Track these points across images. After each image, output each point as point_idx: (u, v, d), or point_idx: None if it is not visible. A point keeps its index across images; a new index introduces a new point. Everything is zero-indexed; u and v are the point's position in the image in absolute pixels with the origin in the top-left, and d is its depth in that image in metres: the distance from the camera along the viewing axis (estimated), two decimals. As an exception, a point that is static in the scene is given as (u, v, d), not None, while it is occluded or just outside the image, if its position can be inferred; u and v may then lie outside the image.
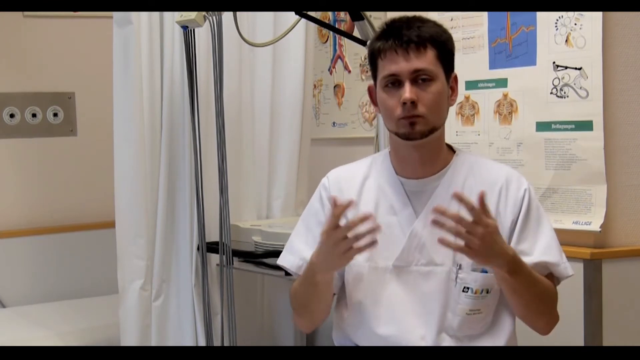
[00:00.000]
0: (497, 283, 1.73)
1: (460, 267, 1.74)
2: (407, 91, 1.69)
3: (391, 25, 1.76)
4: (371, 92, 1.83)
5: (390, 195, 1.80)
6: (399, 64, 1.70)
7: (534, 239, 1.75)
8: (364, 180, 1.85)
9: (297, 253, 1.85)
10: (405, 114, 1.70)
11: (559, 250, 1.77)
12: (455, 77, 1.80)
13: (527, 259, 1.73)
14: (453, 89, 1.80)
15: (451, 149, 1.85)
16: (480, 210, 1.60)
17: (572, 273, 1.78)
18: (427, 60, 1.71)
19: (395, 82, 1.72)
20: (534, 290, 1.72)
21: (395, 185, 1.80)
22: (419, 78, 1.71)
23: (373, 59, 1.77)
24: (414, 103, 1.69)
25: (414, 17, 1.76)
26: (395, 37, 1.71)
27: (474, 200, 1.73)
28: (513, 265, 1.65)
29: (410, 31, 1.71)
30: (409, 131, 1.71)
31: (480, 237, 1.59)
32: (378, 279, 1.78)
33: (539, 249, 1.75)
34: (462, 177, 1.79)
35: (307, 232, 1.86)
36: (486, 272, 1.74)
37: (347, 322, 1.85)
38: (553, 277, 1.78)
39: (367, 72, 3.01)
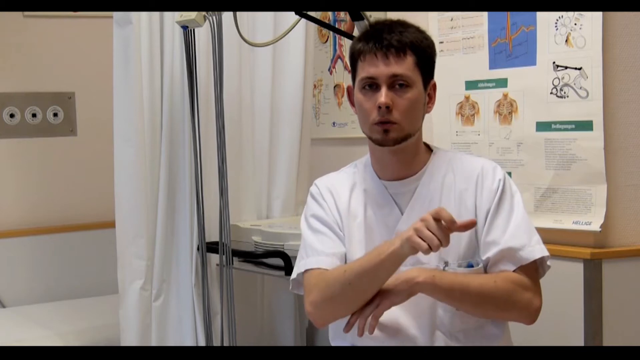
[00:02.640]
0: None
1: (446, 264, 1.76)
2: (383, 95, 1.70)
3: (373, 28, 1.77)
4: (350, 93, 1.84)
5: (376, 199, 1.82)
6: (378, 67, 1.71)
7: (504, 228, 1.75)
8: (352, 187, 1.86)
9: (322, 253, 1.80)
10: (380, 118, 1.71)
11: (528, 234, 1.75)
12: (434, 85, 1.81)
13: (495, 248, 1.73)
14: (431, 97, 1.81)
15: (429, 148, 1.87)
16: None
17: (541, 254, 1.74)
18: (405, 66, 1.72)
19: (372, 85, 1.73)
20: (477, 285, 1.69)
21: (380, 189, 1.82)
22: (396, 83, 1.72)
23: (353, 60, 1.79)
24: (388, 108, 1.70)
25: (397, 22, 1.77)
26: (376, 40, 1.72)
27: (456, 192, 1.77)
28: (430, 273, 1.68)
29: (391, 35, 1.72)
30: (382, 138, 1.73)
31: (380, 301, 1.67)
32: None
33: (506, 236, 1.74)
34: (441, 175, 1.81)
35: (315, 233, 1.84)
36: (472, 266, 1.75)
37: (343, 323, 1.84)
38: (526, 267, 1.74)
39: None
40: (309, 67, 3.01)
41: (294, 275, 1.86)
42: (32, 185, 3.72)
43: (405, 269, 1.73)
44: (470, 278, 1.72)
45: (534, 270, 1.76)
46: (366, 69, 1.73)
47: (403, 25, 1.76)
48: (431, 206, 1.77)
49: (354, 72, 1.80)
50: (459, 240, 1.75)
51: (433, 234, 1.59)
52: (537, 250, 1.74)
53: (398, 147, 1.75)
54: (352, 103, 1.84)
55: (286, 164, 2.98)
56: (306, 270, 1.81)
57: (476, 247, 1.77)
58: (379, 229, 1.79)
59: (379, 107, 1.70)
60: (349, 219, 1.82)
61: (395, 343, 1.77)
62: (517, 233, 1.74)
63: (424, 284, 1.66)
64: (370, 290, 1.70)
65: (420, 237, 1.60)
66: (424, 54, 1.75)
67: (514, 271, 1.73)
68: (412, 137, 1.77)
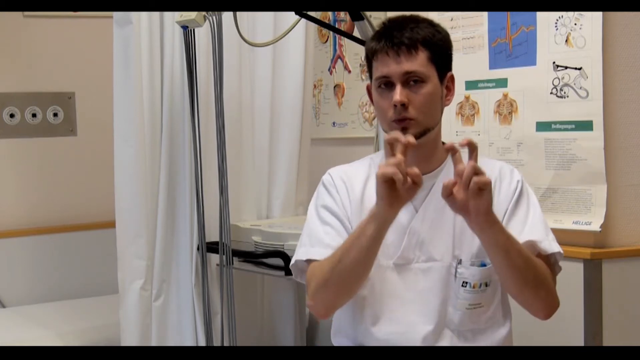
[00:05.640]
0: (491, 259, 1.71)
1: (460, 261, 1.76)
2: (398, 94, 1.70)
3: (386, 26, 1.77)
4: (369, 91, 1.84)
5: None
6: (389, 66, 1.72)
7: (523, 225, 1.76)
8: (365, 180, 1.85)
9: (321, 244, 1.79)
10: (396, 116, 1.72)
11: (544, 229, 1.77)
12: (452, 77, 1.80)
13: None
14: (449, 89, 1.80)
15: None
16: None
17: (558, 249, 1.76)
18: (418, 63, 1.71)
19: (387, 83, 1.73)
20: (526, 254, 1.69)
21: None
22: (410, 80, 1.72)
23: (368, 59, 1.80)
24: (404, 105, 1.70)
25: (410, 18, 1.77)
26: (387, 38, 1.73)
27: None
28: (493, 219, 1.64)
29: (402, 32, 1.72)
30: None
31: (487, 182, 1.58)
32: (379, 277, 1.78)
33: (525, 231, 1.75)
34: None
35: (323, 224, 1.82)
36: (485, 265, 1.75)
37: (349, 321, 1.84)
38: (546, 260, 1.76)
39: (367, 72, 3.01)
40: (309, 67, 3.01)
41: (293, 260, 1.85)
42: (32, 185, 3.72)
43: (418, 265, 1.76)
44: (520, 244, 1.70)
45: (551, 265, 1.78)
46: (379, 69, 1.74)
47: (415, 21, 1.76)
48: (446, 206, 1.76)
49: (370, 70, 1.80)
50: (472, 239, 1.74)
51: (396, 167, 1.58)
52: (554, 245, 1.77)
53: (417, 142, 1.73)
54: (372, 101, 1.84)
55: (286, 164, 2.98)
56: (309, 261, 1.80)
57: None
58: (392, 228, 1.77)
59: (395, 106, 1.71)
60: (361, 212, 1.80)
61: (403, 340, 1.77)
62: (534, 228, 1.76)
63: (496, 221, 1.63)
64: (360, 264, 1.69)
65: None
66: (437, 48, 1.75)
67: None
68: (431, 131, 1.76)
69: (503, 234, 1.66)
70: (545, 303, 1.76)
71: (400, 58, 1.71)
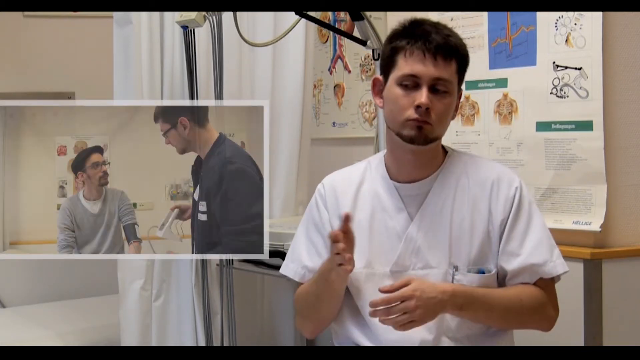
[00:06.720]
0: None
1: (456, 268, 1.74)
2: (424, 96, 1.68)
3: (419, 27, 1.74)
4: (376, 84, 1.81)
5: (384, 200, 1.80)
6: (426, 66, 1.69)
7: (523, 238, 1.75)
8: (359, 185, 1.85)
9: (299, 261, 1.87)
10: (418, 117, 1.69)
11: (549, 247, 1.76)
12: (461, 94, 1.80)
13: (515, 261, 1.74)
14: (457, 105, 1.79)
15: (443, 149, 1.85)
16: (398, 285, 1.63)
17: (563, 270, 1.76)
18: (450, 71, 1.71)
19: (413, 83, 1.71)
20: (503, 307, 1.72)
21: (390, 190, 1.80)
22: (437, 86, 1.70)
23: (393, 54, 1.74)
24: (427, 109, 1.69)
25: (440, 23, 1.76)
26: (425, 39, 1.70)
27: (470, 196, 1.76)
28: (460, 300, 1.68)
29: (439, 37, 1.70)
30: (415, 134, 1.71)
31: (416, 307, 1.62)
32: (376, 285, 1.77)
33: (526, 249, 1.74)
34: (455, 178, 1.79)
35: (307, 240, 1.87)
36: (483, 272, 1.74)
37: (347, 329, 1.84)
38: (544, 280, 1.77)
39: (367, 72, 3.01)
40: (309, 67, 3.01)
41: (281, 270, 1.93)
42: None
43: (414, 272, 1.75)
44: (495, 299, 1.72)
45: (552, 282, 1.78)
46: (411, 66, 1.70)
47: (447, 28, 1.75)
48: (443, 212, 1.76)
49: (390, 65, 1.75)
50: (469, 246, 1.74)
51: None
52: (558, 265, 1.76)
53: (422, 148, 1.74)
54: (376, 94, 1.82)
55: (286, 164, 2.98)
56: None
57: (488, 254, 1.76)
58: (387, 234, 1.78)
59: (417, 107, 1.69)
60: (354, 217, 1.79)
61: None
62: (538, 247, 1.75)
63: (462, 303, 1.69)
64: (335, 307, 1.80)
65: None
66: (464, 61, 1.75)
67: (534, 284, 1.75)
68: (437, 140, 1.76)
69: (477, 304, 1.69)
70: (542, 325, 1.79)
71: (437, 62, 1.69)
